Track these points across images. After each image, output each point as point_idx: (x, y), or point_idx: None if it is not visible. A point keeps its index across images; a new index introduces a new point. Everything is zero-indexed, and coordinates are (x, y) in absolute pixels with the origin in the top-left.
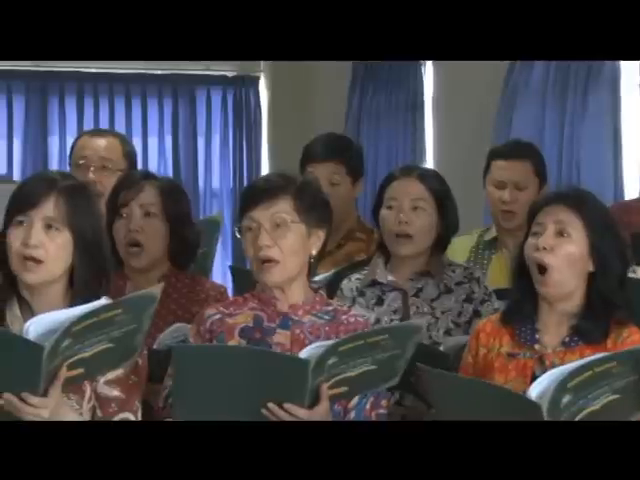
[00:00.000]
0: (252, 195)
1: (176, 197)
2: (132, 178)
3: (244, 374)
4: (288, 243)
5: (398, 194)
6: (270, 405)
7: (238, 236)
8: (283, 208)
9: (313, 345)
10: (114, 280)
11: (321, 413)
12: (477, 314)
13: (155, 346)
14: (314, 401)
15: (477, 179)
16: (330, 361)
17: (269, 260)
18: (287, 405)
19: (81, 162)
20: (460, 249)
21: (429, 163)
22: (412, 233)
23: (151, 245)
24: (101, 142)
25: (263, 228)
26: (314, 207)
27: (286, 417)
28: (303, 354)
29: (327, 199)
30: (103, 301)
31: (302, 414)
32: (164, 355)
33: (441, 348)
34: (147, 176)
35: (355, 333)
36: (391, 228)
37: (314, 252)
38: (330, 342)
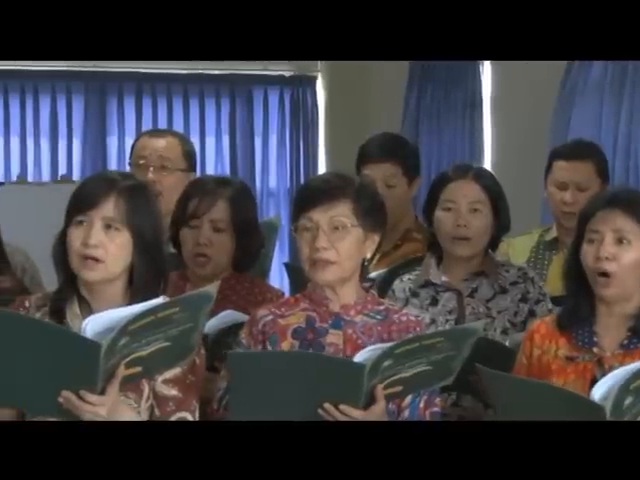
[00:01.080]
0: (310, 195)
1: (244, 205)
2: (205, 186)
3: (300, 377)
4: (345, 246)
5: (455, 196)
6: (326, 405)
7: (295, 235)
8: (342, 211)
9: (369, 348)
10: (175, 280)
11: (377, 413)
12: (532, 314)
13: (205, 330)
14: (369, 402)
15: (534, 178)
16: (385, 363)
17: (324, 261)
18: (342, 406)
19: (141, 162)
20: (521, 249)
21: (486, 162)
22: (470, 236)
23: (218, 258)
24: (160, 142)
25: (321, 230)
26: (371, 211)
27: (342, 418)
28: (359, 357)
29: (383, 202)
30: (160, 300)
31: (357, 415)
32: (212, 341)
33: (506, 343)
34: (219, 184)
35: (411, 336)
36: (449, 231)
37: (368, 255)
38: (386, 345)
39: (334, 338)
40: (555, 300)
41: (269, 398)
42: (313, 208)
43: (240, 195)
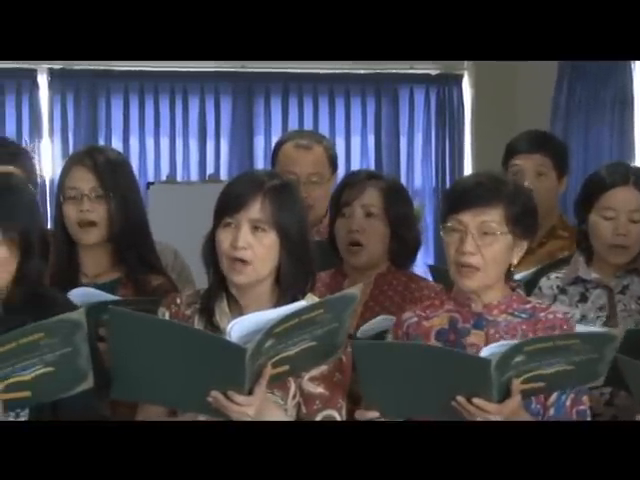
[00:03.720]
0: (462, 197)
1: (398, 198)
2: (356, 177)
3: (429, 371)
4: (492, 253)
5: (616, 205)
6: (459, 399)
7: (442, 235)
8: (493, 217)
9: (497, 344)
10: (333, 276)
11: (511, 408)
12: None
13: (359, 334)
14: (505, 396)
15: None
16: (517, 359)
17: (469, 266)
18: (476, 400)
19: (290, 177)
20: None
21: (638, 161)
22: (629, 244)
23: (371, 245)
24: (308, 157)
25: (470, 234)
26: (523, 218)
27: (475, 412)
28: (485, 352)
29: (536, 209)
30: (303, 302)
31: (491, 409)
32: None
33: None
34: (371, 176)
35: (543, 335)
36: (607, 238)
37: (515, 262)
38: (514, 342)
39: (475, 338)
40: None
41: (396, 391)
42: (463, 210)
43: (393, 187)
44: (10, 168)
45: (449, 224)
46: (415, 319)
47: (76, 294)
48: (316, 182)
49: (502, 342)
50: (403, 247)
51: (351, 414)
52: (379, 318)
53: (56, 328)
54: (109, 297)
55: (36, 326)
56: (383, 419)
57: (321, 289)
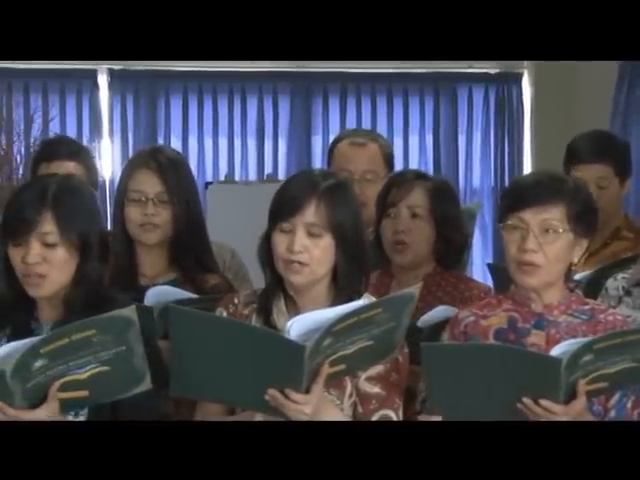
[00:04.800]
0: (523, 195)
1: (445, 198)
2: (403, 177)
3: (498, 372)
4: (554, 251)
5: None
6: (526, 400)
7: (502, 233)
8: (554, 215)
9: (567, 342)
10: (380, 277)
11: (577, 409)
12: None
13: (419, 324)
14: (570, 397)
15: None
16: (585, 358)
17: (530, 264)
18: (543, 402)
19: (344, 175)
20: None
21: None
22: None
23: (416, 245)
24: (363, 154)
25: (531, 231)
26: (584, 216)
27: (542, 413)
28: (556, 351)
29: (597, 208)
30: (361, 302)
31: (558, 410)
32: (425, 336)
33: None
34: (418, 176)
35: (613, 332)
36: None
37: (575, 260)
38: (585, 340)
39: (536, 339)
40: None
41: (463, 390)
42: (524, 208)
43: (439, 188)
44: (71, 165)
45: (510, 222)
46: (472, 318)
47: (153, 293)
48: (370, 180)
49: (572, 340)
50: (449, 248)
51: (406, 412)
52: (439, 308)
53: (107, 325)
54: (185, 295)
55: (87, 322)
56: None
57: (368, 290)
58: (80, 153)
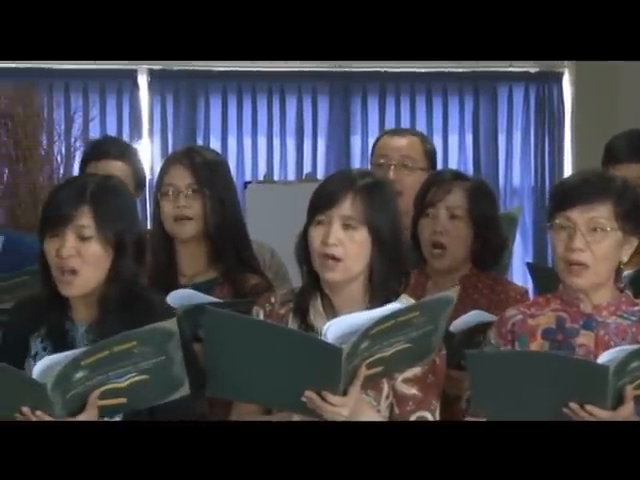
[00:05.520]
0: (570, 195)
1: (483, 199)
2: (442, 177)
3: (543, 378)
4: (602, 250)
5: None
6: (573, 405)
7: (548, 233)
8: (602, 213)
9: (616, 349)
10: (416, 277)
11: (625, 415)
12: None
13: (451, 329)
14: (617, 402)
15: None
16: (634, 364)
17: (578, 264)
18: (590, 407)
19: (382, 161)
20: None
21: None
22: None
23: (454, 248)
24: (402, 141)
25: (579, 230)
26: (633, 214)
27: (588, 418)
28: (604, 357)
29: None
30: (398, 304)
31: (605, 416)
32: (459, 340)
33: None
34: (457, 176)
35: None
36: None
37: (624, 259)
38: (632, 347)
39: (585, 339)
40: None
41: (509, 397)
42: (572, 207)
43: (478, 188)
44: (119, 164)
45: (557, 221)
46: (520, 317)
47: (175, 296)
48: (408, 167)
49: (619, 347)
50: (486, 249)
51: (444, 414)
52: (472, 312)
53: (149, 337)
54: (208, 299)
55: (129, 334)
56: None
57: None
58: (128, 153)
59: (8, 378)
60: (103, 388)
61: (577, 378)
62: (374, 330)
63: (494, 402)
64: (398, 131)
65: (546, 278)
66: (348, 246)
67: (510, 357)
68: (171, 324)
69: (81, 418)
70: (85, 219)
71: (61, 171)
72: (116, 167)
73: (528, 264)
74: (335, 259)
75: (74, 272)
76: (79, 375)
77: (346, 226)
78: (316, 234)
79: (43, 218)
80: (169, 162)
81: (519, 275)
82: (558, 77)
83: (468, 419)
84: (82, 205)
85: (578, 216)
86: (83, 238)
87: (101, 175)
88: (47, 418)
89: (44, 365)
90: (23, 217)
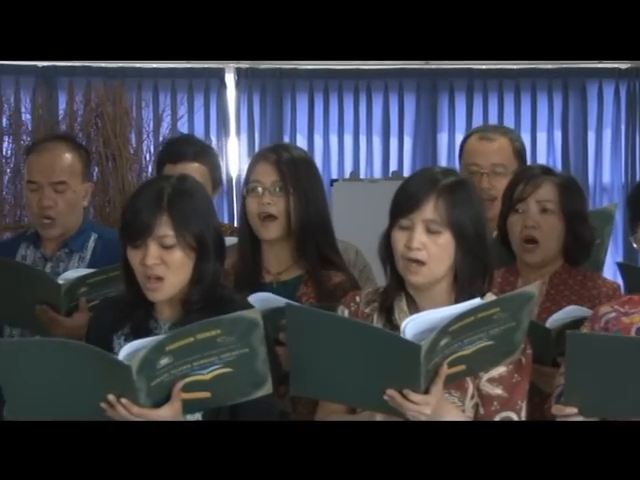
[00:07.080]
0: None
1: (573, 194)
2: (531, 172)
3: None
4: None
5: None
6: None
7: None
8: None
9: None
10: (506, 275)
11: None
12: None
13: (548, 324)
14: None
15: None
16: None
17: None
18: None
19: (473, 169)
20: None
21: None
22: None
23: (546, 242)
24: (491, 146)
25: None
26: None
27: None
28: None
29: None
30: (478, 300)
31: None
32: (556, 335)
33: None
34: (546, 172)
35: None
36: None
37: None
38: None
39: None
40: None
41: (604, 386)
42: None
43: (568, 183)
44: (195, 166)
45: None
46: (614, 314)
47: (255, 299)
48: (500, 173)
49: None
50: (578, 244)
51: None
52: (569, 308)
53: (232, 326)
54: (286, 302)
55: (212, 321)
56: (579, 418)
57: (494, 289)
58: (204, 153)
59: (93, 359)
60: (187, 380)
61: None
62: (454, 326)
63: (589, 390)
64: (487, 133)
65: (637, 278)
66: (431, 249)
67: (612, 342)
68: (255, 314)
69: (166, 410)
70: (165, 228)
71: (150, 169)
72: (193, 169)
73: (618, 264)
74: (419, 263)
75: (159, 279)
76: (163, 362)
77: (429, 230)
78: (399, 237)
79: (124, 226)
80: (256, 159)
81: (609, 274)
82: None
83: (554, 412)
84: (161, 214)
85: None
86: (165, 247)
87: (176, 177)
88: (134, 409)
89: (130, 349)
90: (113, 214)
